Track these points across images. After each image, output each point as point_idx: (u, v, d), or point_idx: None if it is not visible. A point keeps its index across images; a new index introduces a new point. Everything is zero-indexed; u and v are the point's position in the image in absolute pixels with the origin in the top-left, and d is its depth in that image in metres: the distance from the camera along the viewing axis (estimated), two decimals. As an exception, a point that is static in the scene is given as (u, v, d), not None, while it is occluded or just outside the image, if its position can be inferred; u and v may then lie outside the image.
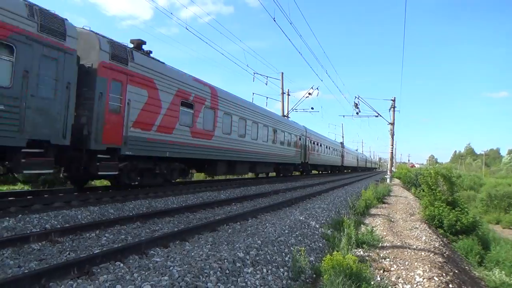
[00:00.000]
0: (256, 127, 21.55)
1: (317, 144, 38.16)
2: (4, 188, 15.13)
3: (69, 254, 5.81)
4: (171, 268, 4.98)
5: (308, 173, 36.94)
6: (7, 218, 7.38)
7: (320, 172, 46.90)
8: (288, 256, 6.71)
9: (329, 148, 44.85)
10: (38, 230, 7.05)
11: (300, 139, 31.35)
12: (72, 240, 6.60)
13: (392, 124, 38.33)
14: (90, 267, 4.86)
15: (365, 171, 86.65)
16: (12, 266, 5.04)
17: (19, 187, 16.02)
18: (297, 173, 35.31)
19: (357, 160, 76.15)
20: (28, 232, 6.80)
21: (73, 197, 10.55)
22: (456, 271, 8.10)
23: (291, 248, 7.13)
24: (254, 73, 33.13)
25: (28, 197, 10.56)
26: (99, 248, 6.17)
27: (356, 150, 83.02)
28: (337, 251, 6.81)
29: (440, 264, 7.75)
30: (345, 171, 61.55)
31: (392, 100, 38.24)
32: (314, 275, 6.32)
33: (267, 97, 49.39)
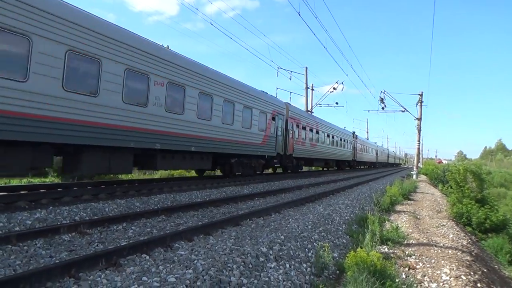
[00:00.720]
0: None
1: (308, 130, 27.54)
2: (36, 181, 15.69)
3: (97, 245, 5.98)
4: (195, 261, 5.06)
5: (294, 171, 26.56)
6: (39, 210, 7.67)
7: (312, 169, 37.12)
8: (311, 251, 6.70)
9: (331, 137, 34.10)
10: (68, 221, 7.29)
11: (274, 119, 20.93)
12: (100, 232, 6.80)
13: (419, 119, 37.44)
14: (117, 258, 4.99)
15: (387, 167, 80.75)
16: (44, 256, 5.24)
17: (49, 179, 16.58)
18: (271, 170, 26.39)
19: (376, 154, 65.95)
20: (58, 223, 7.05)
21: (100, 190, 10.83)
22: (485, 270, 7.89)
23: (314, 243, 7.11)
24: (278, 68, 32.94)
25: (58, 189, 10.92)
26: (126, 240, 6.33)
27: (375, 143, 70.50)
28: (361, 247, 6.74)
29: (468, 262, 7.57)
30: (359, 167, 51.76)
31: (419, 94, 37.32)
32: (338, 272, 6.29)
33: (290, 92, 48.98)
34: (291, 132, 23.96)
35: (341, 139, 38.35)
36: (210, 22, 20.74)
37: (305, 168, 33.61)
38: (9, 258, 5.03)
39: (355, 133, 42.38)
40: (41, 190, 10.58)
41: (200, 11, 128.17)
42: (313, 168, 37.66)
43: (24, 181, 15.61)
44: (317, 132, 30.00)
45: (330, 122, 35.23)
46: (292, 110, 24.68)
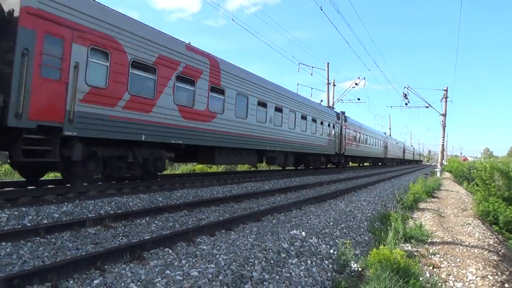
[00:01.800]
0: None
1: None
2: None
3: (121, 239, 6.11)
4: (217, 256, 5.10)
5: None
6: (66, 203, 7.87)
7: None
8: (333, 248, 6.66)
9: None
10: (94, 215, 7.46)
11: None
12: (124, 226, 6.94)
13: (444, 115, 36.61)
14: (141, 252, 5.09)
15: (404, 164, 68.32)
16: (71, 248, 5.39)
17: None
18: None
19: (385, 148, 51.50)
20: (84, 217, 7.23)
21: (124, 185, 11.03)
22: (513, 271, 7.67)
23: (336, 240, 7.06)
24: (299, 63, 32.95)
25: (84, 184, 11.18)
26: (149, 234, 6.43)
27: (386, 135, 57.99)
28: (384, 245, 6.66)
29: (495, 262, 7.37)
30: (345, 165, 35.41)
31: (444, 90, 36.50)
32: (360, 269, 6.23)
33: (311, 88, 48.76)
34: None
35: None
36: (231, 18, 20.93)
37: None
38: (38, 249, 5.20)
39: (344, 114, 32.11)
40: (67, 185, 10.86)
41: (221, 8, 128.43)
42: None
43: (51, 175, 16.03)
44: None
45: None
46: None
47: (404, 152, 70.87)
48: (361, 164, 43.92)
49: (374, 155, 44.33)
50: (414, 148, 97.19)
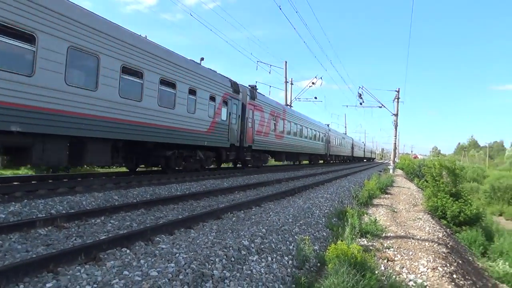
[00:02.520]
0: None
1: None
2: (8, 173, 15.19)
3: (75, 239, 5.83)
4: (177, 255, 5.00)
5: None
6: (13, 203, 7.42)
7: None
8: (292, 244, 6.74)
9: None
10: (44, 215, 7.08)
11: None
12: (78, 226, 6.63)
13: (396, 115, 38.20)
14: (97, 252, 4.88)
15: (349, 162, 60.15)
16: (20, 250, 5.07)
17: (22, 172, 16.08)
18: None
19: (328, 142, 43.16)
20: (34, 217, 6.84)
21: (77, 183, 10.57)
22: (460, 262, 8.13)
23: (295, 236, 7.15)
24: (257, 61, 32.86)
25: (33, 182, 10.61)
26: (105, 234, 6.19)
27: (329, 127, 46.82)
28: (342, 240, 6.83)
29: (444, 254, 7.78)
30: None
31: (396, 91, 38.07)
32: (319, 264, 6.35)
33: (270, 86, 49.01)
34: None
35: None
36: (189, 13, 20.35)
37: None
38: (-17, 252, 4.85)
39: (255, 89, 22.97)
40: (15, 183, 10.27)
41: (180, 2, 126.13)
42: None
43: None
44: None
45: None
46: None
47: (353, 148, 64.64)
48: (295, 163, 35.98)
49: (310, 151, 35.44)
50: (365, 145, 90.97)
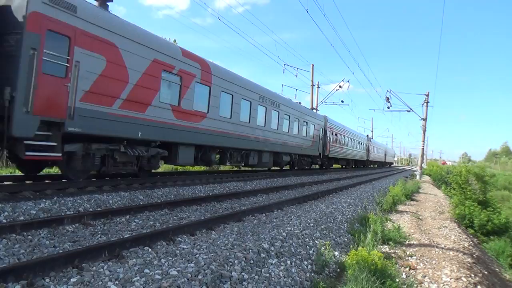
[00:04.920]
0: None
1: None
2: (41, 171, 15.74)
3: (100, 237, 6.04)
4: (197, 255, 5.10)
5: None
6: (44, 200, 7.72)
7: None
8: (312, 249, 6.73)
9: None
10: (72, 212, 7.35)
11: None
12: (104, 224, 6.86)
13: (425, 119, 37.35)
14: (120, 250, 5.04)
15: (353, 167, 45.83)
16: (48, 246, 5.30)
17: (54, 170, 16.65)
18: None
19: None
20: (62, 214, 7.11)
21: (105, 182, 10.89)
22: (486, 273, 7.89)
23: (316, 241, 7.14)
24: (284, 64, 32.97)
25: (63, 180, 10.99)
26: (129, 233, 6.38)
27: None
28: (362, 246, 6.77)
29: (469, 264, 7.57)
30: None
31: (425, 94, 37.22)
32: (338, 270, 6.31)
33: (296, 89, 48.92)
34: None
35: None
36: (218, 17, 20.76)
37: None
38: (13, 247, 5.10)
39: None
40: (46, 181, 10.66)
41: (209, 6, 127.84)
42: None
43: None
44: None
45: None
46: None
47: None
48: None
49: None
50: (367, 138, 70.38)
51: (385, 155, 70.32)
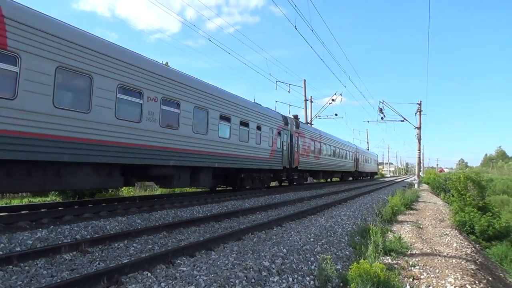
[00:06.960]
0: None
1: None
2: (37, 200, 15.64)
3: (99, 263, 5.95)
4: (197, 277, 5.03)
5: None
6: (40, 229, 7.64)
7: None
8: (314, 264, 6.66)
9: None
10: (69, 240, 7.26)
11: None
12: (102, 250, 6.77)
13: (419, 128, 37.56)
14: (119, 276, 4.97)
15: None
16: (46, 276, 5.21)
17: (50, 198, 16.53)
18: None
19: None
20: (59, 242, 7.01)
21: (101, 208, 10.81)
22: (490, 279, 7.82)
23: (317, 256, 7.07)
24: (276, 81, 33.24)
25: (59, 208, 10.89)
26: (128, 258, 6.29)
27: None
28: (364, 259, 6.71)
29: (472, 271, 7.52)
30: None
31: (418, 103, 37.53)
32: (341, 284, 6.23)
33: (289, 105, 49.16)
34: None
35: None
36: (208, 38, 20.95)
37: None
38: (10, 279, 5.01)
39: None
40: (42, 210, 10.57)
41: (200, 29, 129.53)
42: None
43: (25, 201, 15.57)
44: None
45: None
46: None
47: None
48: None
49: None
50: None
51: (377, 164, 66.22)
